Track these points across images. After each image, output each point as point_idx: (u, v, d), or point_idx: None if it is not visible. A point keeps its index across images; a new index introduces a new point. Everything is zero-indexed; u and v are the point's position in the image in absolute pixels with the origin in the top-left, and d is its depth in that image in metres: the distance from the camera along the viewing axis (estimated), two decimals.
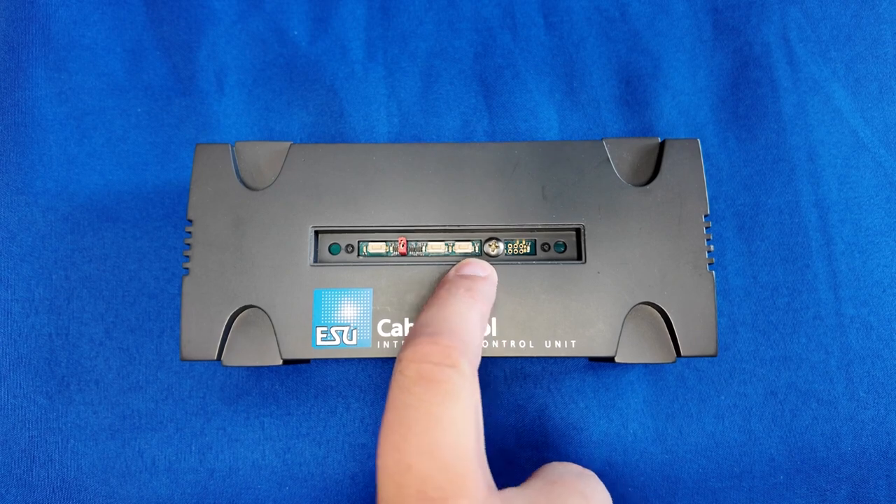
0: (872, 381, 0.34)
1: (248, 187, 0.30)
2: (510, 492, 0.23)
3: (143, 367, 0.34)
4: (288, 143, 0.31)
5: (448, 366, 0.22)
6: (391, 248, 0.31)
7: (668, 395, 0.34)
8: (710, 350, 0.28)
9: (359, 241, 0.31)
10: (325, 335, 0.28)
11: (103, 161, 0.37)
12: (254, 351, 0.29)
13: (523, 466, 0.33)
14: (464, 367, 0.22)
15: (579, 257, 0.30)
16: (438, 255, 0.30)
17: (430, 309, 0.25)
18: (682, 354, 0.28)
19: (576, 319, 0.29)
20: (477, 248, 0.31)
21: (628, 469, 0.33)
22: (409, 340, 0.24)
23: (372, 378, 0.34)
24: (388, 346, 0.28)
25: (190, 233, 0.29)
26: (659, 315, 0.29)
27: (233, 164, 0.30)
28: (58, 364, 0.34)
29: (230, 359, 0.28)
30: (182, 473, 0.33)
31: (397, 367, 0.23)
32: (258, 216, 0.30)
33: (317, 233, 0.30)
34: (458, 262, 0.29)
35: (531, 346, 0.28)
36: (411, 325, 0.28)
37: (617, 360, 0.28)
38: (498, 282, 0.29)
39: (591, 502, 0.24)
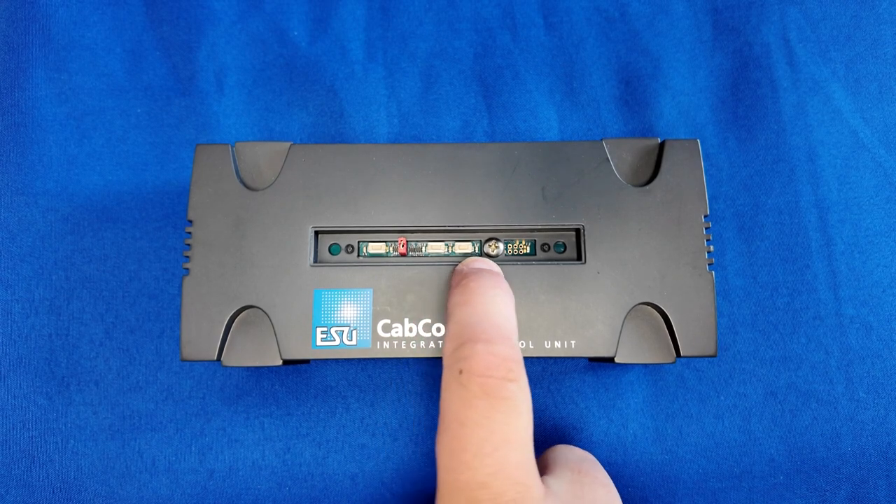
0: (872, 381, 0.34)
1: (248, 187, 0.30)
2: (552, 485, 0.24)
3: (143, 368, 0.34)
4: (288, 144, 0.31)
5: (511, 381, 0.22)
6: (391, 249, 0.31)
7: (668, 396, 0.34)
8: (710, 350, 0.28)
9: (359, 242, 0.31)
10: (324, 335, 0.28)
11: (103, 161, 0.37)
12: (254, 351, 0.29)
13: None
14: (523, 381, 0.23)
15: (579, 258, 0.30)
16: (438, 256, 0.30)
17: (467, 306, 0.25)
18: (681, 355, 0.28)
19: (575, 320, 0.29)
20: (477, 249, 0.31)
21: (628, 469, 0.33)
22: (461, 346, 0.24)
23: (372, 378, 0.34)
24: (388, 346, 0.28)
25: (190, 233, 0.29)
26: (659, 315, 0.29)
27: (233, 165, 0.30)
28: (58, 364, 0.34)
29: (230, 359, 0.28)
30: (182, 474, 0.33)
31: (454, 375, 0.23)
32: (258, 216, 0.30)
33: (317, 233, 0.30)
34: (459, 261, 0.29)
35: (531, 347, 0.28)
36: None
37: (617, 360, 0.28)
38: None
39: (612, 490, 0.26)
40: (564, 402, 0.34)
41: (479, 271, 0.27)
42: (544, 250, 0.31)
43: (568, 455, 0.28)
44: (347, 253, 0.31)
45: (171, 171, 0.37)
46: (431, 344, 0.28)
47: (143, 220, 0.36)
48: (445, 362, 0.24)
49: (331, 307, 0.29)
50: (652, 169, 0.30)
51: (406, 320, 0.29)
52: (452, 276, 0.29)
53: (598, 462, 0.28)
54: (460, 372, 0.23)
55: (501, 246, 0.30)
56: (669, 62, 0.39)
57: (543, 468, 0.27)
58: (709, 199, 0.30)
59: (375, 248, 0.31)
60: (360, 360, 0.34)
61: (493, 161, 0.30)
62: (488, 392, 0.22)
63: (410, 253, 0.31)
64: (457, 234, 0.31)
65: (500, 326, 0.24)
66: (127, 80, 0.38)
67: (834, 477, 0.33)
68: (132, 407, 0.34)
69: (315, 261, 0.30)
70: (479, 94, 0.39)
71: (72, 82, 0.38)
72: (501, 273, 0.29)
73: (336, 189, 0.30)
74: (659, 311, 0.29)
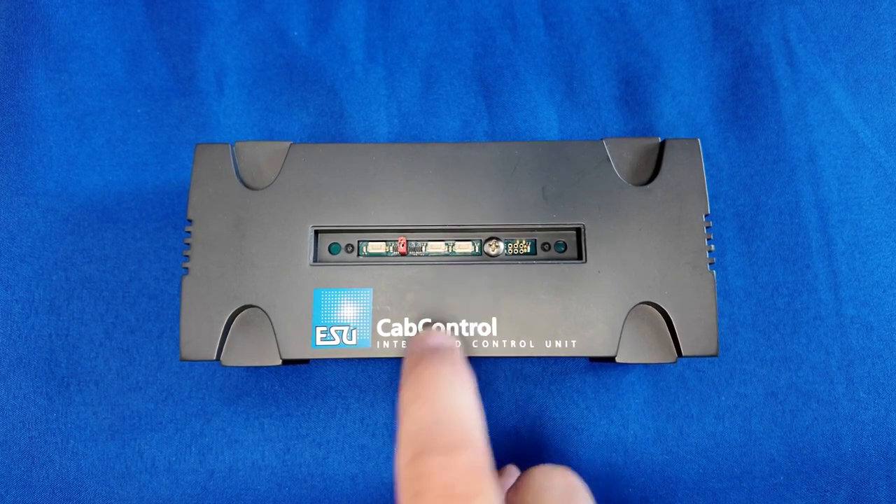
0: (873, 381, 0.34)
1: (247, 187, 0.30)
2: None
3: (143, 368, 0.34)
4: (288, 143, 0.31)
5: (476, 495, 0.18)
6: (391, 248, 0.31)
7: (669, 396, 0.34)
8: (711, 350, 0.28)
9: (359, 241, 0.31)
10: (324, 335, 0.28)
11: (103, 161, 0.37)
12: (253, 351, 0.28)
13: (523, 467, 0.33)
14: (490, 489, 0.19)
15: (579, 257, 0.30)
16: (438, 255, 0.30)
17: (420, 403, 0.21)
18: (682, 354, 0.28)
19: (576, 319, 0.28)
20: (477, 248, 0.31)
21: (628, 470, 0.33)
22: (416, 459, 0.19)
23: (372, 378, 0.34)
24: (387, 345, 0.28)
25: (189, 232, 0.29)
26: (659, 315, 0.29)
27: (233, 164, 0.30)
28: (58, 365, 0.34)
29: (229, 359, 0.28)
30: (182, 474, 0.33)
31: (409, 497, 0.19)
32: (258, 216, 0.30)
33: (317, 232, 0.30)
34: (459, 265, 0.29)
35: (531, 346, 0.28)
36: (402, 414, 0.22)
37: (617, 360, 0.28)
38: (498, 282, 0.29)
39: None
40: (565, 403, 0.34)
41: (432, 353, 0.23)
42: (545, 250, 0.31)
43: (545, 496, 0.23)
44: (347, 252, 0.31)
45: (171, 171, 0.37)
46: None
47: (143, 220, 0.36)
48: (399, 477, 0.20)
49: (330, 307, 0.29)
50: (652, 168, 0.30)
51: (406, 320, 0.29)
52: (405, 357, 0.24)
53: (580, 490, 0.24)
54: (416, 494, 0.19)
55: (501, 245, 0.30)
56: (669, 62, 0.39)
57: None
58: (709, 198, 0.30)
59: (375, 247, 0.31)
60: (360, 360, 0.34)
61: (494, 161, 0.30)
62: None
63: (410, 252, 0.30)
64: (457, 233, 0.30)
65: (462, 425, 0.20)
66: (127, 80, 0.38)
67: (834, 477, 0.33)
68: (132, 407, 0.34)
69: (315, 260, 0.30)
70: (480, 94, 0.39)
71: (72, 82, 0.38)
72: (458, 347, 0.25)
73: (336, 188, 0.30)
74: (660, 311, 0.29)
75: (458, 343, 0.28)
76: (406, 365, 0.23)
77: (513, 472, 0.30)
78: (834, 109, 0.37)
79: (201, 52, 0.39)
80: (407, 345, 0.26)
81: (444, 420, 0.20)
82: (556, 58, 0.39)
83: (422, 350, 0.24)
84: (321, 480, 0.33)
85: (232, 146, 0.31)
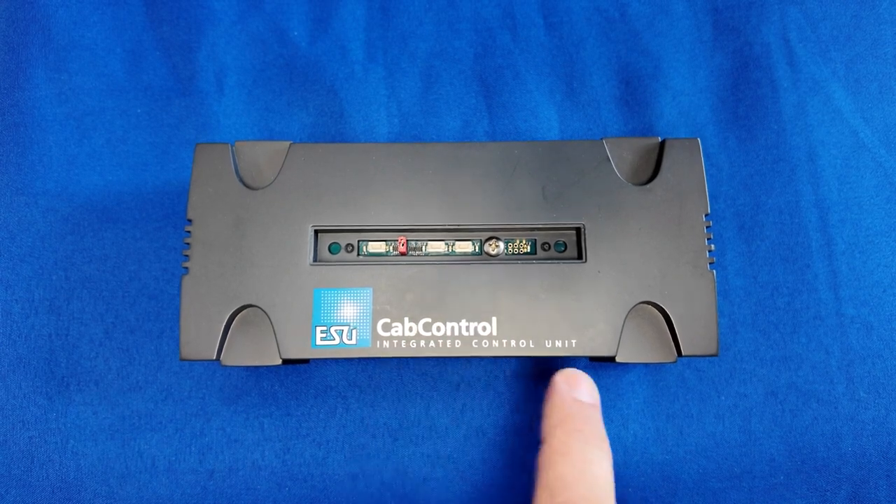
0: (873, 381, 0.34)
1: (247, 187, 0.30)
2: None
3: (143, 368, 0.34)
4: (288, 143, 0.31)
5: None
6: (391, 248, 0.31)
7: (669, 396, 0.34)
8: (712, 349, 0.28)
9: (358, 241, 0.31)
10: (324, 335, 0.28)
11: (103, 161, 0.37)
12: (253, 351, 0.28)
13: (526, 467, 0.33)
14: None
15: (579, 257, 0.30)
16: (438, 255, 0.30)
17: (568, 459, 0.26)
18: (682, 354, 0.28)
19: (576, 319, 0.28)
20: (477, 248, 0.31)
21: (628, 469, 0.33)
22: None
23: (372, 378, 0.34)
24: (387, 345, 0.28)
25: (189, 232, 0.29)
26: (659, 315, 0.29)
27: (233, 164, 0.30)
28: (57, 364, 0.34)
29: (229, 359, 0.28)
30: (182, 474, 0.33)
31: None
32: (258, 216, 0.30)
33: (317, 232, 0.30)
34: (459, 264, 0.29)
35: (531, 346, 0.28)
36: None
37: (617, 359, 0.28)
38: (498, 282, 0.29)
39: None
40: None
41: (583, 412, 0.28)
42: (545, 249, 0.31)
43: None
44: (347, 252, 0.31)
45: (171, 171, 0.37)
46: (431, 343, 0.28)
47: (143, 220, 0.36)
48: None
49: (330, 306, 0.29)
50: (652, 168, 0.30)
51: (406, 319, 0.29)
52: (551, 392, 0.29)
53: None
54: None
55: (501, 245, 0.30)
56: (669, 62, 0.39)
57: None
58: (709, 198, 0.30)
59: (375, 247, 0.31)
60: (360, 359, 0.34)
61: (494, 160, 0.30)
62: None
63: (410, 252, 0.31)
64: (457, 233, 0.31)
65: (599, 494, 0.25)
66: (127, 80, 0.38)
67: (834, 477, 0.33)
68: (132, 407, 0.34)
69: (315, 260, 0.30)
70: (480, 94, 0.39)
71: (72, 82, 0.38)
72: (598, 405, 0.29)
73: (336, 188, 0.30)
74: (660, 311, 0.29)
75: (598, 398, 0.30)
76: (553, 417, 0.28)
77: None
78: (834, 109, 0.37)
79: (201, 52, 0.39)
80: (553, 385, 0.29)
81: (586, 484, 0.25)
82: (557, 58, 0.39)
83: (573, 401, 0.28)
84: (321, 480, 0.33)
85: (232, 146, 0.31)
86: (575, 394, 0.29)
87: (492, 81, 0.39)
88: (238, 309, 0.29)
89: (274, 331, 0.28)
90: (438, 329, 0.28)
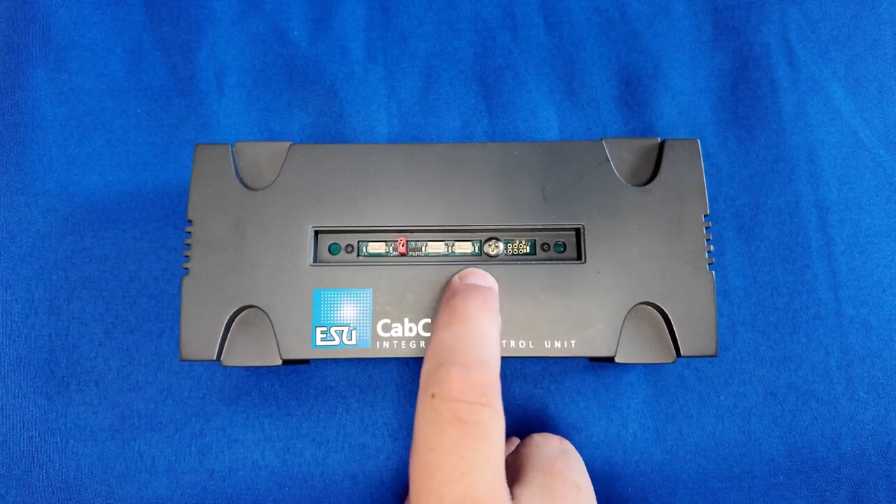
0: (872, 381, 0.34)
1: (247, 187, 0.30)
2: (522, 498, 0.24)
3: (143, 368, 0.34)
4: (287, 143, 0.31)
5: (483, 405, 0.22)
6: (391, 248, 0.31)
7: (668, 396, 0.34)
8: (711, 350, 0.28)
9: (358, 241, 0.31)
10: (324, 335, 0.28)
11: (103, 161, 0.37)
12: (253, 351, 0.29)
13: None
14: (497, 406, 0.23)
15: (579, 257, 0.30)
16: (438, 255, 0.30)
17: (450, 327, 0.25)
18: (682, 354, 0.28)
19: (576, 319, 0.28)
20: (477, 248, 0.31)
21: (628, 469, 0.33)
22: (437, 368, 0.23)
23: (372, 378, 0.34)
24: (387, 346, 0.28)
25: (189, 233, 0.29)
26: (659, 315, 0.29)
27: (233, 164, 0.30)
28: (57, 364, 0.34)
29: (229, 359, 0.28)
30: (182, 474, 0.33)
31: (427, 398, 0.23)
32: (258, 216, 0.30)
33: (316, 233, 0.30)
34: (459, 265, 0.29)
35: (531, 346, 0.28)
36: (426, 336, 0.28)
37: (617, 360, 0.28)
38: (498, 282, 0.29)
39: (583, 491, 0.26)
40: (564, 402, 0.34)
41: (471, 289, 0.27)
42: (544, 250, 0.31)
43: (541, 452, 0.27)
44: (347, 253, 0.31)
45: (171, 171, 0.37)
46: None
47: (143, 220, 0.36)
48: (421, 383, 0.24)
49: (330, 307, 0.29)
50: (652, 168, 0.30)
51: (406, 320, 0.29)
52: (445, 288, 0.28)
53: (573, 453, 0.28)
54: (433, 395, 0.22)
55: (501, 245, 0.30)
56: (669, 62, 0.39)
57: (517, 471, 0.26)
58: (709, 198, 0.30)
59: (375, 247, 0.31)
60: (360, 360, 0.34)
61: (493, 161, 0.30)
62: (459, 417, 0.22)
63: (410, 253, 0.31)
64: (456, 233, 0.31)
65: (481, 351, 0.24)
66: (127, 80, 0.38)
67: (834, 477, 0.33)
68: (132, 407, 0.34)
69: (315, 260, 0.30)
70: (479, 94, 0.39)
71: (72, 82, 0.38)
72: (495, 288, 0.28)
73: (336, 189, 0.30)
74: (659, 311, 0.29)
75: (495, 284, 0.28)
76: (445, 295, 0.27)
77: (515, 441, 0.32)
78: (834, 109, 0.37)
79: (201, 52, 0.39)
80: (451, 278, 0.29)
81: (468, 342, 0.24)
82: (556, 58, 0.39)
83: (461, 284, 0.28)
84: (321, 480, 0.33)
85: (232, 146, 0.31)
86: (468, 281, 0.28)
87: (492, 81, 0.39)
88: (238, 309, 0.29)
89: (274, 331, 0.28)
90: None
